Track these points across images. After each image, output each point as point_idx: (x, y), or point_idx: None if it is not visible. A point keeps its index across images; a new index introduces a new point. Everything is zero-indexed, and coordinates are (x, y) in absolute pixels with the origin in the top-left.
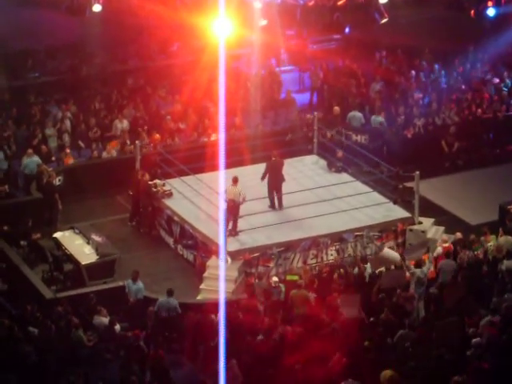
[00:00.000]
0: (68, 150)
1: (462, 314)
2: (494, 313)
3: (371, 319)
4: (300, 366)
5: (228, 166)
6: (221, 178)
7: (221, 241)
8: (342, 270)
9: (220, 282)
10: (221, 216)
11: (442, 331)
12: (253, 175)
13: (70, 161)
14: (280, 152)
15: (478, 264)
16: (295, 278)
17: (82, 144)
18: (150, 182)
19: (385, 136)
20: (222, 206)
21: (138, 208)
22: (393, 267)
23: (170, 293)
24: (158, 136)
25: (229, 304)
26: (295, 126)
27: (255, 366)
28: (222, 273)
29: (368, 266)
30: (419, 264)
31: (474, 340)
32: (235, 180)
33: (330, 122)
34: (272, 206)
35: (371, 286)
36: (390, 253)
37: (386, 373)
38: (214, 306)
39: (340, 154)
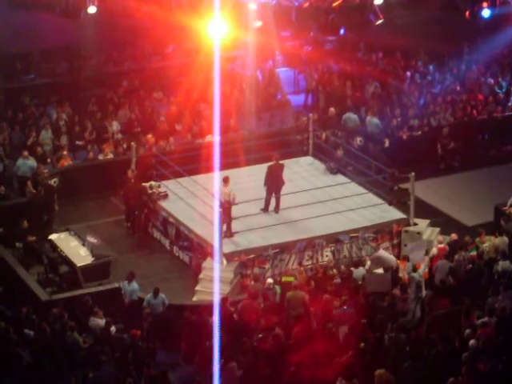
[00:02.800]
0: (65, 152)
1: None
2: (489, 314)
3: (363, 321)
4: (295, 369)
5: (223, 167)
6: (215, 179)
7: (216, 242)
8: (334, 270)
9: (215, 284)
10: (215, 217)
11: (440, 322)
12: (248, 177)
13: (67, 162)
14: (275, 153)
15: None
16: (291, 279)
17: (79, 143)
18: (144, 184)
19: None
20: (217, 207)
21: (131, 212)
22: (379, 271)
23: (156, 292)
24: (152, 137)
25: (226, 305)
26: (295, 126)
27: (256, 366)
28: (216, 274)
29: (361, 268)
30: (415, 268)
31: (470, 341)
32: (226, 180)
33: (325, 123)
34: (265, 209)
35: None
36: (386, 254)
37: (379, 372)
38: (211, 308)
39: (339, 153)
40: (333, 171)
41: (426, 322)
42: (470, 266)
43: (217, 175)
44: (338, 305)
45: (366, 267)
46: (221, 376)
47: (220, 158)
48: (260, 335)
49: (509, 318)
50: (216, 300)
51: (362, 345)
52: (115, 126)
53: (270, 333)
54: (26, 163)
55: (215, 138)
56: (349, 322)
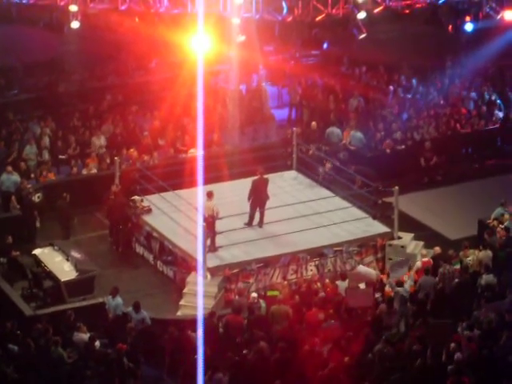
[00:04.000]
0: (49, 167)
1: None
2: (474, 328)
3: (349, 334)
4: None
5: (206, 181)
6: (199, 193)
7: (200, 256)
8: (319, 284)
9: (199, 298)
10: (199, 232)
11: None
12: (231, 191)
13: (51, 177)
14: (259, 167)
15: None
16: (276, 293)
17: (62, 157)
18: (127, 199)
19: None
20: (201, 221)
21: (115, 227)
22: (362, 286)
23: (136, 307)
24: (135, 152)
25: (212, 319)
26: (279, 140)
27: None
28: (200, 289)
29: (346, 281)
30: (400, 283)
31: (455, 355)
32: (210, 195)
33: (308, 137)
34: (249, 223)
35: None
36: (365, 269)
37: None
38: (195, 322)
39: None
40: (321, 183)
41: (411, 335)
42: (457, 280)
43: (200, 190)
44: (323, 318)
45: (346, 283)
46: None
47: (203, 172)
48: (245, 351)
49: (492, 332)
50: (200, 314)
51: (347, 359)
52: (100, 140)
53: (255, 346)
54: (10, 178)
55: (198, 153)
56: (333, 336)
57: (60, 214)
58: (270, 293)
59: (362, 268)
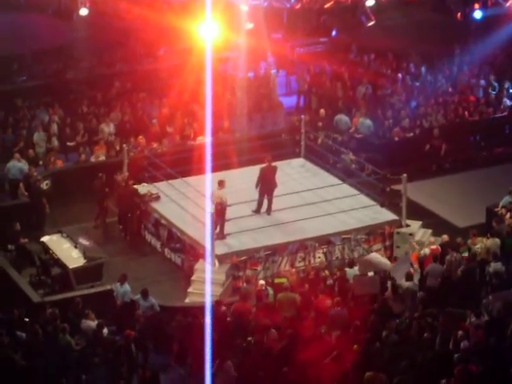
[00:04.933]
0: (57, 154)
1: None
2: (481, 315)
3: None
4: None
5: (215, 169)
6: (207, 181)
7: (208, 244)
8: (327, 271)
9: (207, 286)
10: (208, 219)
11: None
12: (240, 179)
13: (60, 164)
14: (267, 155)
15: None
16: (283, 280)
17: (71, 144)
18: (136, 186)
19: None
20: (209, 209)
21: (123, 215)
22: (371, 274)
23: (144, 294)
24: (143, 139)
25: (219, 307)
26: (287, 127)
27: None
28: (208, 276)
29: (354, 268)
30: (409, 276)
31: (462, 343)
32: (221, 183)
33: (316, 124)
34: (257, 210)
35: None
36: (377, 258)
37: (369, 375)
38: (203, 310)
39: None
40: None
41: (419, 323)
42: (463, 267)
43: (209, 177)
44: (331, 305)
45: (356, 269)
46: (216, 376)
47: (212, 159)
48: (249, 338)
49: (500, 320)
50: (208, 302)
51: (356, 346)
52: (108, 127)
53: (264, 333)
54: (16, 166)
55: (207, 140)
56: (342, 324)
57: (96, 193)
58: (277, 280)
59: (374, 256)
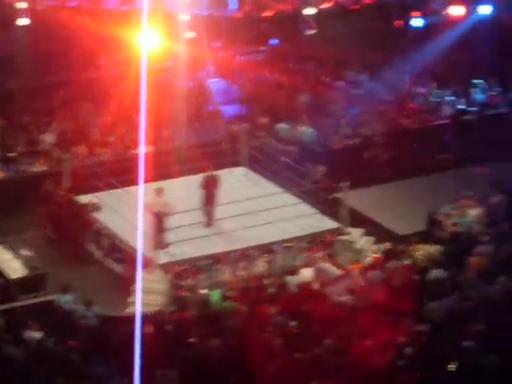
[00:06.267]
0: None
1: None
2: (423, 322)
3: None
4: None
5: (156, 178)
6: (147, 190)
7: (150, 253)
8: (269, 280)
9: (148, 295)
10: (149, 228)
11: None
12: (181, 188)
13: (0, 175)
14: (209, 164)
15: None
16: (224, 290)
17: (11, 155)
18: (76, 197)
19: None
20: (150, 218)
21: (64, 225)
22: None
23: (87, 304)
24: (84, 148)
25: (161, 316)
26: (228, 136)
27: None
28: (150, 285)
29: (296, 277)
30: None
31: (405, 349)
32: (159, 191)
33: (257, 133)
34: (207, 221)
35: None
36: (328, 267)
37: None
38: (145, 319)
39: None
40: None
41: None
42: (405, 274)
43: (149, 186)
44: (274, 313)
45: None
46: None
47: (152, 168)
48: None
49: (442, 326)
50: (150, 311)
51: (298, 355)
52: (49, 137)
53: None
54: None
55: (147, 149)
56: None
57: (39, 203)
58: (217, 289)
59: (327, 265)
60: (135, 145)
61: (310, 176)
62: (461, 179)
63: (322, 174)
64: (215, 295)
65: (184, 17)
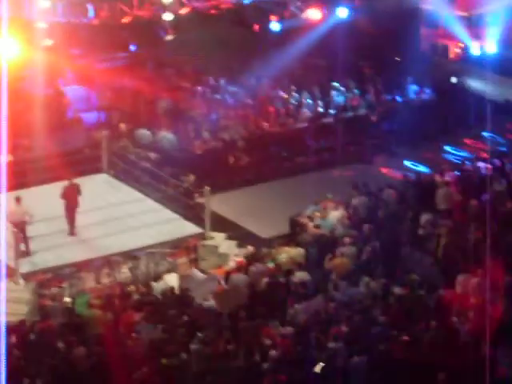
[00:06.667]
0: None
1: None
2: (287, 324)
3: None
4: None
5: (15, 187)
6: (6, 199)
7: (12, 262)
8: (132, 286)
9: (11, 305)
10: (9, 237)
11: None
12: (40, 196)
13: None
14: (70, 171)
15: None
16: (89, 297)
17: None
18: None
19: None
20: (9, 227)
21: None
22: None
23: None
24: None
25: (23, 326)
26: (88, 143)
27: None
28: (13, 295)
29: (160, 283)
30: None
31: (270, 352)
32: (18, 200)
33: (117, 139)
34: (71, 231)
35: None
36: (198, 273)
37: None
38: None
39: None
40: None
41: (226, 334)
42: (267, 278)
43: (8, 195)
44: (139, 320)
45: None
46: None
47: (12, 177)
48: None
49: (307, 328)
50: (12, 321)
51: (164, 361)
52: None
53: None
54: None
55: (6, 158)
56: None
57: None
58: (82, 297)
59: (195, 271)
60: None
61: (173, 181)
62: (323, 182)
63: (191, 180)
64: (79, 303)
65: (42, 24)
